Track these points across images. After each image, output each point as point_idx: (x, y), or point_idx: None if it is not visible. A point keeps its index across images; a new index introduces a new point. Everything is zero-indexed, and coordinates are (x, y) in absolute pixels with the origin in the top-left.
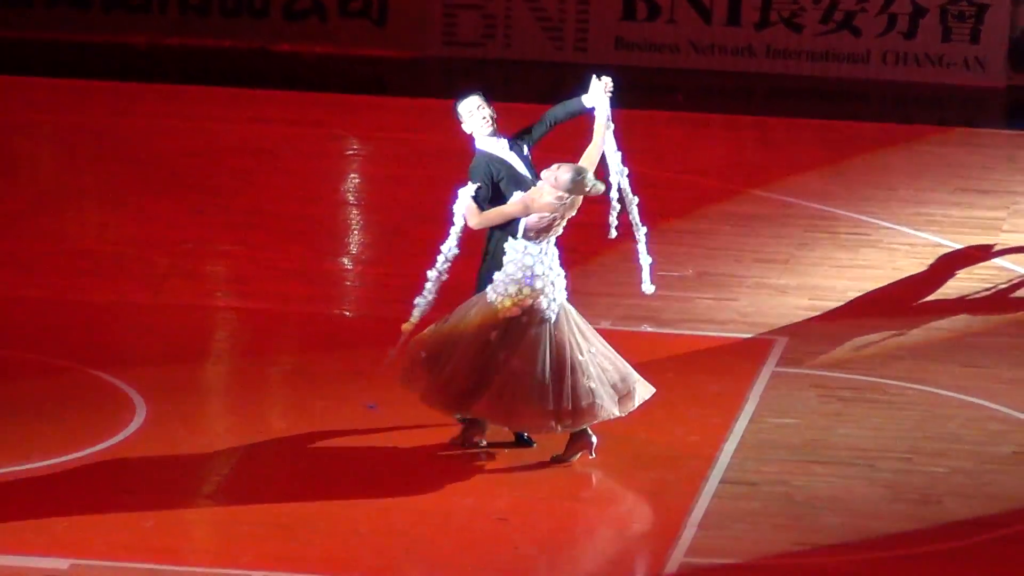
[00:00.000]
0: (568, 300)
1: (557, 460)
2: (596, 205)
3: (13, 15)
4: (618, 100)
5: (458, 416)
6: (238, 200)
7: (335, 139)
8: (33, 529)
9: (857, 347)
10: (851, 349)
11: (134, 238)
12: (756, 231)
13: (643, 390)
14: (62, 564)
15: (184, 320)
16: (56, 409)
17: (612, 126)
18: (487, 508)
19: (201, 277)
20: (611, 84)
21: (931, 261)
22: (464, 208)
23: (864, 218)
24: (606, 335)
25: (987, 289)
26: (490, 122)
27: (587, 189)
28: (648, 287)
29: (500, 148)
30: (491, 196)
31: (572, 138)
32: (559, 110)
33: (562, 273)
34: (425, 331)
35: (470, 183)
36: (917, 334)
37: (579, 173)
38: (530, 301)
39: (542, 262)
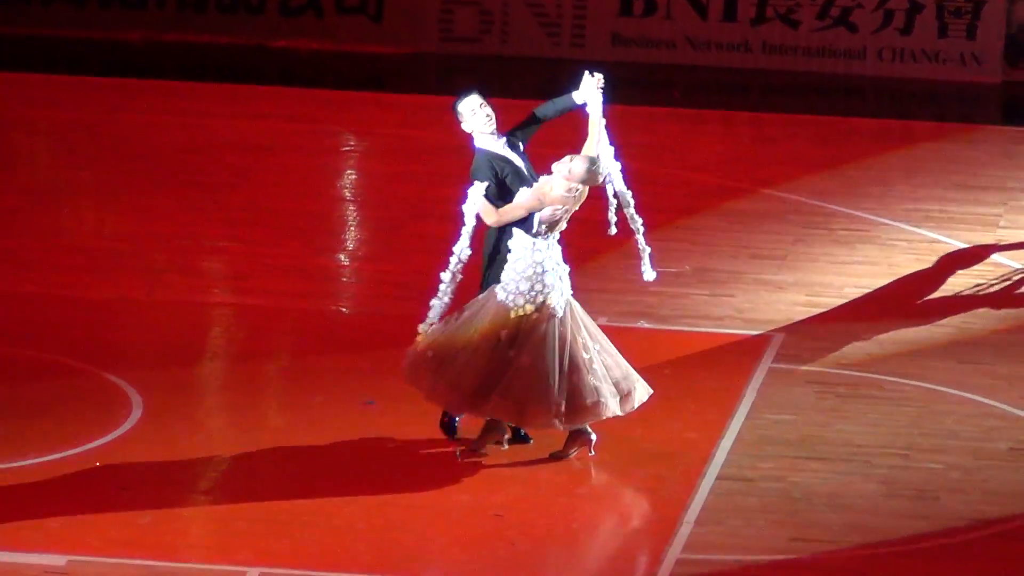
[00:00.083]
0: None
1: (556, 457)
2: (592, 201)
3: (10, 11)
4: (611, 96)
5: (455, 420)
6: (235, 196)
7: (332, 135)
8: (30, 526)
9: (854, 343)
10: (848, 345)
11: (131, 234)
12: (753, 227)
13: (642, 391)
14: (59, 560)
15: (181, 316)
16: (52, 405)
17: (604, 121)
18: (484, 504)
19: (198, 273)
20: (602, 80)
21: (928, 257)
22: (479, 207)
23: (861, 214)
24: (603, 332)
25: (984, 285)
26: (492, 120)
27: (600, 179)
28: (649, 274)
29: (500, 146)
30: (497, 195)
31: (563, 133)
32: (549, 108)
33: (567, 268)
34: (432, 330)
35: (477, 182)
36: (914, 330)
37: (593, 163)
38: (542, 298)
39: (551, 257)
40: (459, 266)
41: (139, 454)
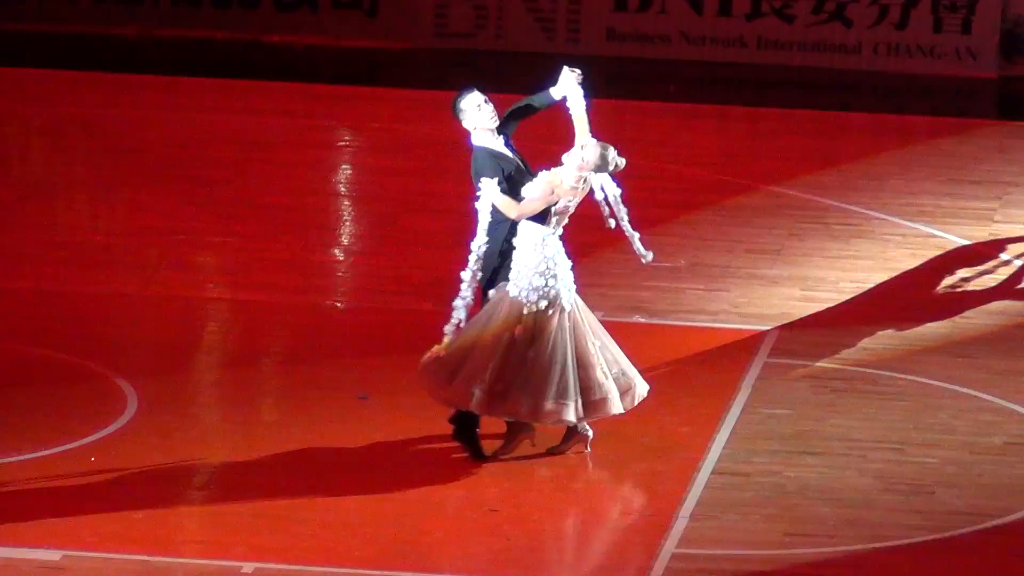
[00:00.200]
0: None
1: (553, 452)
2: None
3: (3, 6)
4: (606, 91)
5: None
6: (229, 191)
7: (327, 130)
8: (25, 521)
9: (849, 337)
10: (843, 339)
11: (125, 229)
12: (748, 222)
13: (641, 387)
14: (54, 555)
15: (175, 311)
16: (46, 401)
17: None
18: (479, 499)
19: (192, 268)
20: (580, 74)
21: (922, 252)
22: (497, 202)
23: (856, 209)
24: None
25: (978, 279)
26: (496, 117)
27: (612, 166)
28: (646, 254)
29: (500, 144)
30: (503, 191)
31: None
32: (528, 105)
33: (569, 263)
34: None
35: (484, 179)
36: (908, 325)
37: (605, 148)
38: (554, 293)
39: (559, 252)
40: (478, 264)
41: (134, 449)
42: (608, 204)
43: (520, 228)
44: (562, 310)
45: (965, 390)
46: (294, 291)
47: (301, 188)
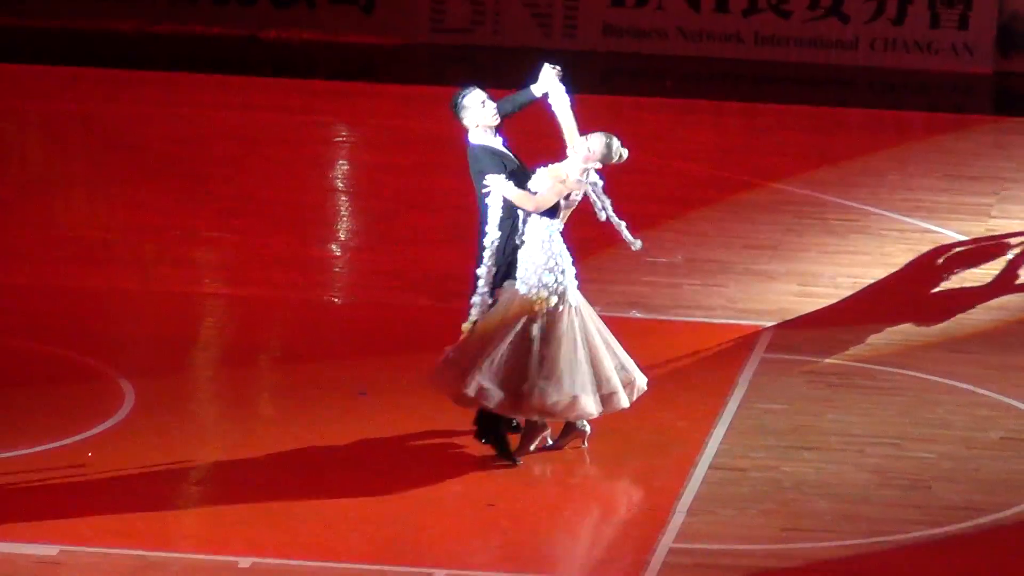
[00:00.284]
0: None
1: (550, 447)
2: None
3: (2, 2)
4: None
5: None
6: (227, 187)
7: (324, 126)
8: (23, 516)
9: (846, 333)
10: (840, 335)
11: (122, 225)
12: (745, 217)
13: (640, 380)
14: (51, 550)
15: (173, 307)
16: (44, 396)
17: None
18: (476, 494)
19: (190, 264)
20: (560, 70)
21: (920, 247)
22: (512, 196)
23: (853, 204)
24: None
25: (975, 275)
26: (498, 115)
27: (616, 156)
28: (634, 242)
29: (497, 142)
30: None
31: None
32: (508, 103)
33: (571, 257)
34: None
35: (491, 175)
36: (906, 320)
37: (610, 138)
38: (563, 288)
39: (563, 247)
40: (492, 259)
41: (131, 445)
42: (595, 195)
43: (528, 224)
44: (571, 306)
45: (962, 385)
46: (291, 287)
47: (299, 184)
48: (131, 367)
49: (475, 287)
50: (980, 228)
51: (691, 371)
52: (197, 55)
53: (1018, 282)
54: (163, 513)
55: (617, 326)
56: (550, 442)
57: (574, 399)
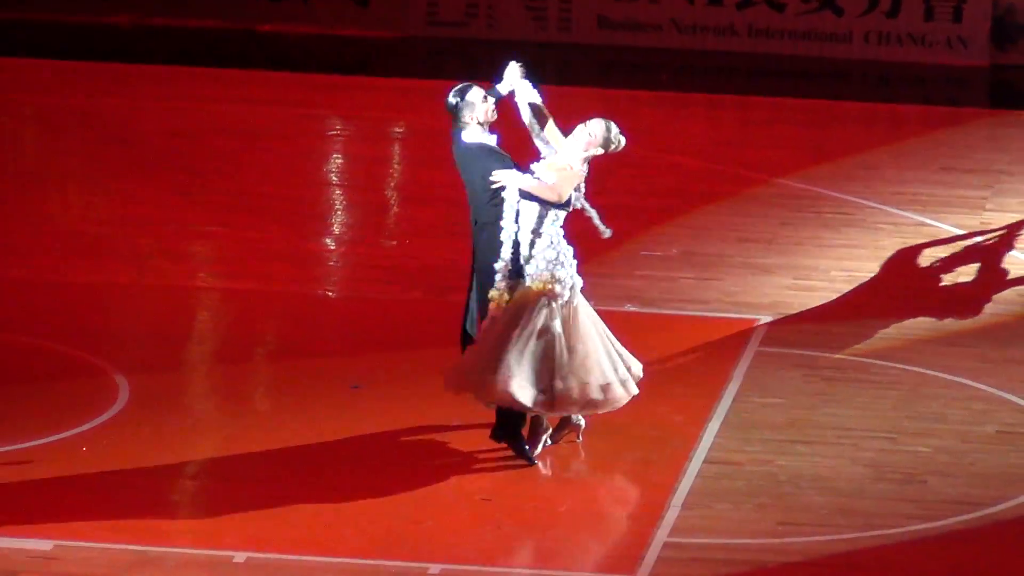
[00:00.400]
0: None
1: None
2: None
3: None
4: (596, 80)
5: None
6: (222, 181)
7: (319, 119)
8: (16, 511)
9: (841, 326)
10: (835, 328)
11: (118, 219)
12: (739, 211)
13: (636, 368)
14: (45, 545)
15: (168, 301)
16: (39, 390)
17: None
18: (471, 488)
19: (185, 258)
20: (523, 68)
21: (914, 240)
22: (530, 187)
23: (847, 197)
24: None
25: (970, 268)
26: (496, 113)
27: (616, 143)
28: (605, 230)
29: (492, 140)
30: None
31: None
32: None
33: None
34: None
35: (502, 171)
36: (901, 313)
37: (608, 123)
38: (571, 282)
39: (566, 239)
40: (509, 252)
41: (126, 439)
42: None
43: (537, 217)
44: (580, 299)
45: (957, 379)
46: (286, 280)
47: (294, 177)
48: (126, 361)
49: (492, 281)
50: (975, 221)
51: (686, 365)
52: (192, 49)
53: (1012, 276)
54: (158, 508)
55: (612, 320)
56: (549, 442)
57: (606, 388)
